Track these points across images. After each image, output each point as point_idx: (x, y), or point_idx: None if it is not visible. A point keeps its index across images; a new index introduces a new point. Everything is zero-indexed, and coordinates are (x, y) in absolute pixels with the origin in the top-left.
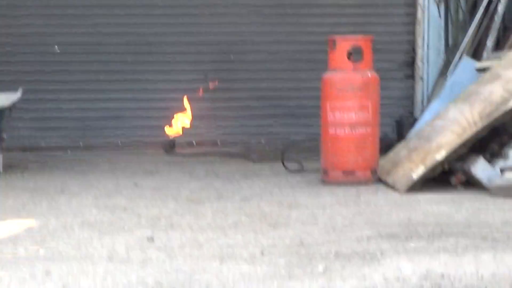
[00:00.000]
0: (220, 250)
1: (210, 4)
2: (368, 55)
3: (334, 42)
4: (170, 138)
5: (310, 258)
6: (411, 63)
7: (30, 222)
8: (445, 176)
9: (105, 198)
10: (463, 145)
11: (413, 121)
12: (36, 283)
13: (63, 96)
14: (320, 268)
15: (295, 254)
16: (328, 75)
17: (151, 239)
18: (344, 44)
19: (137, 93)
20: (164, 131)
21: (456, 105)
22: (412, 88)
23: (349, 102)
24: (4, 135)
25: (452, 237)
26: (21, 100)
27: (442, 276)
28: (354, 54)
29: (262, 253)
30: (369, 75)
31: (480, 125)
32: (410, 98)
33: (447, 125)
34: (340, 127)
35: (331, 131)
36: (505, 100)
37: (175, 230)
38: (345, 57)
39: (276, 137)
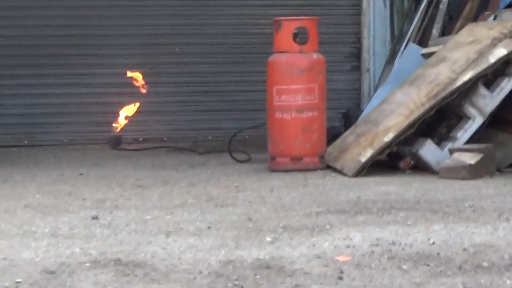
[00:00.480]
0: (166, 226)
1: None
2: (314, 36)
3: (279, 23)
4: (116, 134)
5: (258, 231)
6: (357, 54)
7: None
8: (393, 162)
9: (50, 186)
10: (411, 126)
11: (360, 113)
12: None
13: (6, 91)
14: (268, 238)
15: (243, 229)
16: (273, 58)
17: (95, 218)
18: (289, 25)
19: (82, 88)
20: (110, 127)
21: (403, 89)
22: (359, 80)
23: (295, 85)
24: None
25: (402, 211)
26: None
27: (393, 243)
28: (300, 36)
29: (209, 228)
30: (315, 57)
31: (427, 105)
32: (357, 90)
33: (394, 108)
34: (287, 111)
35: (278, 115)
36: (452, 80)
37: (120, 210)
38: (291, 39)
39: (223, 133)
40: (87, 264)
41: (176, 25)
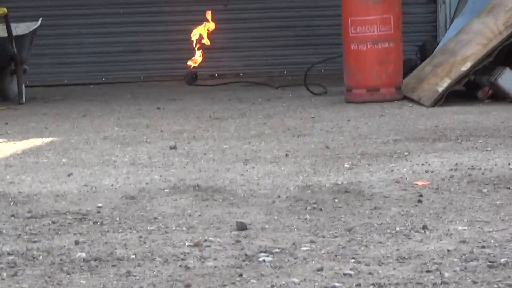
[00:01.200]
0: (244, 155)
1: None
2: None
3: None
4: (192, 70)
5: (336, 158)
6: None
7: (53, 139)
8: (471, 92)
9: (128, 119)
10: (489, 55)
11: (436, 45)
12: (58, 182)
13: (83, 30)
14: (346, 165)
15: (321, 156)
16: None
17: (174, 148)
18: None
19: (156, 26)
20: (186, 63)
21: (480, 19)
22: (435, 12)
23: (370, 16)
24: (26, 67)
25: (481, 138)
26: (41, 36)
27: (473, 167)
28: None
29: (287, 155)
30: None
31: (505, 34)
32: (433, 22)
33: (471, 38)
34: (362, 43)
35: (353, 47)
36: None
37: (198, 140)
38: None
39: (298, 67)
40: (167, 190)
41: None
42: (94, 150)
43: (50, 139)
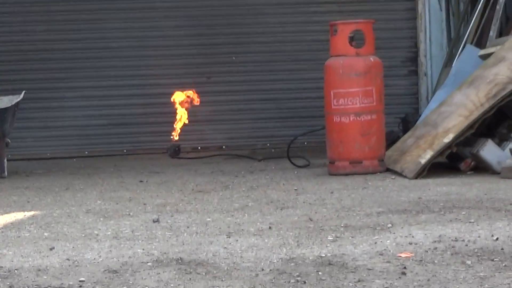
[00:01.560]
0: (227, 227)
1: (211, 4)
2: (370, 39)
3: (335, 27)
4: (175, 143)
5: (319, 231)
6: (414, 58)
7: (35, 213)
8: (453, 164)
9: (110, 192)
10: (471, 126)
11: (418, 117)
12: (40, 256)
13: (66, 103)
14: (330, 237)
15: (304, 228)
16: (330, 61)
17: (157, 221)
18: (345, 28)
19: (141, 99)
20: (169, 137)
21: (461, 91)
22: (416, 84)
23: (352, 88)
24: (9, 140)
25: (464, 210)
26: (25, 109)
27: (456, 239)
28: (356, 39)
29: (270, 228)
30: (372, 60)
31: (487, 106)
32: (415, 94)
33: (453, 110)
34: (345, 115)
35: (336, 119)
36: (511, 80)
37: (181, 213)
38: (347, 42)
39: (281, 140)
40: (149, 264)
41: (232, 34)
42: (76, 224)
43: (32, 212)
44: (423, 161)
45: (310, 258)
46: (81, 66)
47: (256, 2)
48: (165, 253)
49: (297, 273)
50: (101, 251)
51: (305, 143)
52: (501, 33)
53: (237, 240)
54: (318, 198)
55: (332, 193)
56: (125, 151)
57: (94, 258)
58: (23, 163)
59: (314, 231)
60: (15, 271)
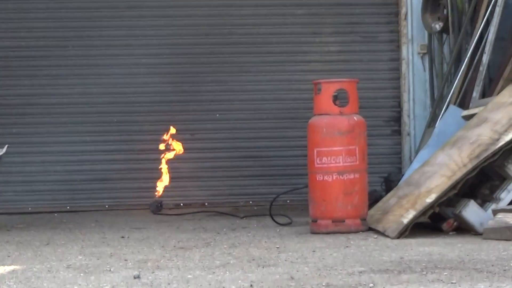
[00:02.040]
0: (208, 285)
1: (196, 62)
2: (354, 98)
3: (319, 86)
4: (157, 199)
5: None
6: (398, 118)
7: (15, 267)
8: (436, 224)
9: (91, 248)
10: (453, 187)
11: (401, 177)
12: None
13: (49, 158)
14: None
15: (286, 287)
16: (313, 120)
17: (137, 277)
18: (329, 87)
19: (123, 154)
20: (151, 193)
21: (444, 151)
22: (400, 143)
23: (336, 147)
24: None
25: (446, 270)
26: (6, 163)
27: None
28: (340, 99)
29: (252, 286)
30: (356, 119)
31: (470, 166)
32: (398, 154)
33: (436, 170)
34: (328, 173)
35: (319, 177)
36: (494, 141)
37: (162, 270)
38: (331, 101)
39: (264, 197)
40: None
41: (216, 91)
42: (56, 279)
43: (12, 267)
44: (405, 221)
45: None
46: (63, 121)
47: (240, 60)
48: None
49: None
50: None
51: (288, 201)
52: (484, 94)
53: None
54: (300, 257)
55: (314, 251)
56: (106, 206)
57: None
58: (4, 217)
59: None
60: None
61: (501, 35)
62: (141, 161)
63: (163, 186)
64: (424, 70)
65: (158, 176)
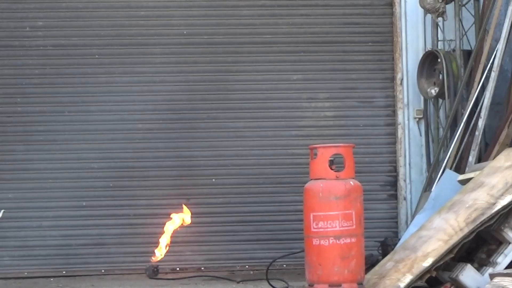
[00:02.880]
0: None
1: (192, 127)
2: (350, 163)
3: (315, 151)
4: (153, 264)
5: None
6: (394, 183)
7: None
8: None
9: None
10: (450, 251)
11: (397, 241)
12: None
13: (45, 223)
14: None
15: None
16: (310, 185)
17: None
18: (325, 152)
19: (119, 219)
20: (147, 257)
21: (441, 215)
22: (396, 208)
23: (332, 212)
24: None
25: None
26: (2, 228)
27: None
28: (336, 163)
29: None
30: (352, 183)
31: (466, 230)
32: (394, 218)
33: (432, 234)
34: (324, 238)
35: (315, 242)
36: (490, 205)
37: None
38: (327, 166)
39: (260, 262)
40: None
41: (211, 156)
42: None
43: None
44: (402, 285)
45: None
46: (59, 186)
47: (236, 125)
48: None
49: None
50: None
51: (285, 265)
52: (480, 159)
53: None
54: None
55: None
56: (103, 271)
57: None
58: (0, 282)
59: None
60: None
61: (496, 100)
62: (137, 225)
63: (160, 251)
64: (420, 134)
65: (154, 240)
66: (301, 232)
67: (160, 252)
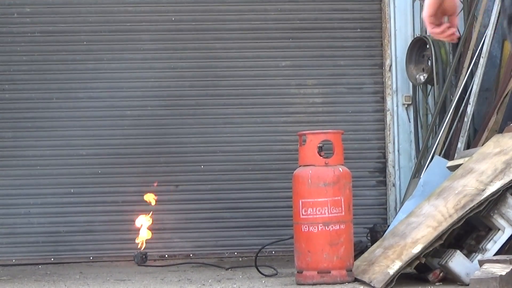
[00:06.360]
0: None
1: (180, 114)
2: (339, 149)
3: (304, 137)
4: (142, 250)
5: None
6: (383, 169)
7: None
8: (422, 275)
9: None
10: (439, 237)
11: (386, 228)
12: None
13: (33, 210)
14: None
15: None
16: (298, 171)
17: None
18: (314, 138)
19: (108, 206)
20: (136, 244)
21: (430, 202)
22: (385, 194)
23: (321, 198)
24: None
25: None
26: None
27: None
28: (325, 149)
29: None
30: (341, 170)
31: (455, 217)
32: (383, 205)
33: (421, 220)
34: (313, 224)
35: (304, 228)
36: (480, 191)
37: None
38: (316, 152)
39: (249, 249)
40: None
41: (200, 142)
42: None
43: None
44: (391, 271)
45: None
46: (47, 173)
47: (225, 112)
48: None
49: None
50: None
51: (273, 252)
52: (469, 145)
53: None
54: None
55: None
56: (91, 258)
57: None
58: None
59: None
60: None
61: (485, 86)
62: (125, 212)
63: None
64: (409, 121)
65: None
66: (290, 219)
67: (143, 238)
